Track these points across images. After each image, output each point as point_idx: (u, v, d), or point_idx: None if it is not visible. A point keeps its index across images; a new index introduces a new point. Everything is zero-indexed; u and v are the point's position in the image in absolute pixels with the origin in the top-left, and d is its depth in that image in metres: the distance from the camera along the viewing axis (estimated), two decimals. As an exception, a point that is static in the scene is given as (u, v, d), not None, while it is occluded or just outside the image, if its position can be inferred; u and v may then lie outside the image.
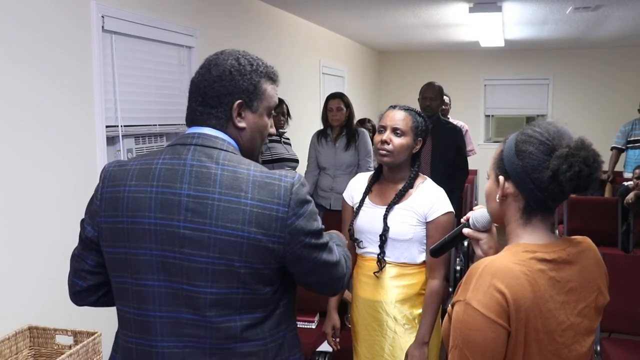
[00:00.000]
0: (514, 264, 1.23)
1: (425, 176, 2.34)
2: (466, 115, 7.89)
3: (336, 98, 4.65)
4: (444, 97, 5.59)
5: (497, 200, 1.33)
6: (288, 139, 4.83)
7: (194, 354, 1.32)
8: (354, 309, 2.40)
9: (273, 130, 1.51)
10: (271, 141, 4.51)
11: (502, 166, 1.32)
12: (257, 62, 1.43)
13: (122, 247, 1.35)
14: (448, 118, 5.68)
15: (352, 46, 7.95)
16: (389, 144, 2.21)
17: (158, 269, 1.32)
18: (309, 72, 6.33)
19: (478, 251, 1.44)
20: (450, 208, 2.25)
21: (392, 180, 2.31)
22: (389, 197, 2.28)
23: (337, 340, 2.51)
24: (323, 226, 1.40)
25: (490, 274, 1.21)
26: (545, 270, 1.24)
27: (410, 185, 2.27)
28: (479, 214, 1.43)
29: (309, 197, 1.37)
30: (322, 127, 4.86)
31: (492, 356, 1.20)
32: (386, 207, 2.26)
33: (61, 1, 2.75)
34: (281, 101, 4.70)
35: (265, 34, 5.17)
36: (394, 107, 2.30)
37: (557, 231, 6.24)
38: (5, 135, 2.47)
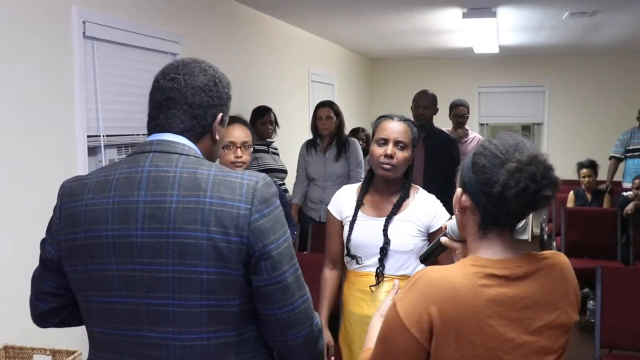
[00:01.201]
0: (456, 276, 1.24)
1: (417, 186, 2.38)
2: (460, 123, 7.94)
3: (326, 106, 4.67)
4: (463, 107, 5.65)
5: (458, 212, 1.37)
6: (276, 148, 4.84)
7: None
8: (346, 326, 2.39)
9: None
10: (259, 151, 4.52)
11: (461, 178, 1.35)
12: (224, 74, 1.47)
13: (82, 264, 1.32)
14: (466, 129, 5.71)
15: (342, 53, 7.99)
16: (393, 158, 2.23)
17: (120, 284, 1.28)
18: (297, 80, 6.35)
19: (455, 260, 1.45)
20: (448, 215, 2.28)
21: (386, 192, 2.33)
22: (385, 208, 2.30)
23: (333, 358, 2.50)
24: (293, 240, 1.36)
25: (424, 284, 1.24)
26: (490, 285, 1.24)
27: (406, 195, 2.30)
28: (453, 223, 1.46)
29: (276, 199, 1.33)
30: (311, 137, 4.87)
31: (400, 359, 1.25)
32: (385, 218, 2.27)
33: (40, 6, 2.75)
34: (268, 109, 4.71)
35: (253, 41, 5.19)
36: (390, 117, 2.31)
37: (554, 243, 6.28)
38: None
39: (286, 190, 4.84)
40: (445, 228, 1.51)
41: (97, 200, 1.31)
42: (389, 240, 2.25)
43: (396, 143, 2.25)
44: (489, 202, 1.26)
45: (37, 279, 1.45)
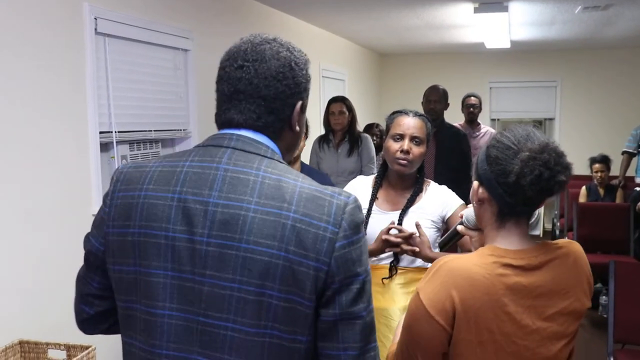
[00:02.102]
0: (475, 265, 1.29)
1: (428, 180, 2.40)
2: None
3: (338, 102, 4.66)
4: (474, 98, 5.62)
5: (475, 204, 1.41)
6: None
7: None
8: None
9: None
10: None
11: (476, 171, 1.39)
12: (300, 50, 1.28)
13: (131, 264, 1.14)
14: (479, 123, 5.68)
15: (352, 49, 7.97)
16: (409, 154, 2.24)
17: (172, 294, 1.10)
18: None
19: (471, 248, 1.54)
20: (461, 200, 2.33)
21: (400, 187, 2.34)
22: (399, 202, 2.31)
23: None
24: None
25: (445, 272, 1.29)
26: (508, 275, 1.29)
27: (420, 189, 2.33)
28: (469, 212, 1.53)
29: (363, 227, 1.15)
30: (323, 132, 4.86)
31: (425, 346, 1.31)
32: (399, 212, 2.28)
33: (53, 3, 2.76)
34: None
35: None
36: (406, 113, 2.32)
37: (566, 238, 6.23)
38: (-5, 141, 2.47)
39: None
40: (462, 217, 1.58)
41: (160, 193, 1.13)
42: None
43: (412, 138, 2.25)
44: (505, 192, 1.30)
45: (82, 279, 1.27)
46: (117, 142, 3.20)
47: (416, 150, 2.25)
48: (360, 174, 4.56)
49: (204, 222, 1.10)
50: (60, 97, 2.81)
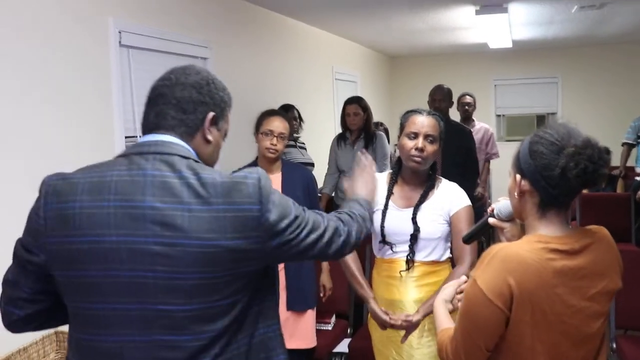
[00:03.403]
0: (526, 251, 1.32)
1: (440, 177, 2.37)
2: (477, 115, 7.82)
3: (353, 103, 4.62)
4: (468, 96, 5.58)
5: (516, 197, 1.42)
6: (303, 143, 4.85)
7: None
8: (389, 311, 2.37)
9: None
10: (287, 146, 4.52)
11: (518, 165, 1.41)
12: (225, 87, 1.38)
13: (79, 269, 1.19)
14: (473, 120, 5.63)
15: (363, 52, 7.95)
16: (423, 151, 2.22)
17: (128, 290, 1.17)
18: (321, 78, 6.34)
19: (502, 239, 1.57)
20: (469, 202, 2.30)
21: (413, 183, 2.32)
22: (413, 198, 2.29)
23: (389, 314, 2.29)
24: (296, 207, 1.30)
25: (500, 259, 1.32)
26: (555, 259, 1.33)
27: (433, 185, 2.30)
28: (502, 205, 1.56)
29: (273, 189, 1.26)
30: (341, 131, 4.86)
31: (485, 330, 1.34)
32: (413, 208, 2.27)
33: (80, 18, 2.79)
34: (291, 107, 4.72)
35: (278, 43, 5.19)
36: (420, 112, 2.29)
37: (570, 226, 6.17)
38: (25, 149, 2.50)
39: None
40: (492, 210, 1.59)
41: (96, 203, 1.18)
42: (419, 227, 2.25)
43: (426, 137, 2.23)
44: (549, 184, 1.34)
45: (11, 284, 1.28)
46: (142, 146, 3.22)
47: (430, 147, 2.23)
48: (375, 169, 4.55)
49: (144, 225, 1.16)
50: (88, 104, 2.84)
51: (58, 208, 1.20)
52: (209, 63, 3.85)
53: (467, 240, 1.75)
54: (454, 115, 5.61)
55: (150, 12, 3.32)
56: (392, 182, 2.36)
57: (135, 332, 1.18)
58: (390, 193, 2.34)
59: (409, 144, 2.23)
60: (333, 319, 3.56)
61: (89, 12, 2.85)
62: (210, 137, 1.31)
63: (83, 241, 1.17)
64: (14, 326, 1.32)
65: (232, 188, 1.19)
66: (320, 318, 3.42)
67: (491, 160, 5.62)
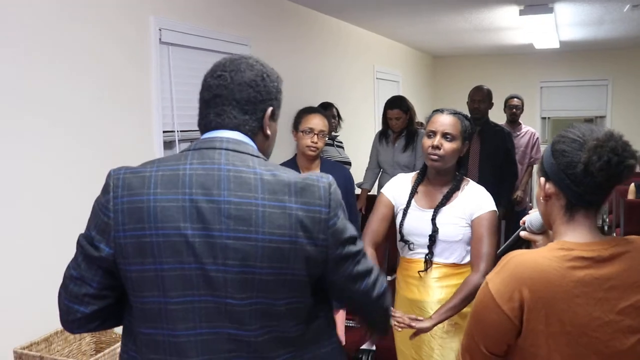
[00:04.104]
0: (545, 258, 1.26)
1: (468, 179, 2.32)
2: (522, 117, 7.68)
3: (395, 108, 4.49)
4: (516, 99, 5.46)
5: (542, 201, 1.36)
6: (341, 142, 4.84)
7: None
8: (397, 310, 2.36)
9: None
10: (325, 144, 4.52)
11: (542, 168, 1.35)
12: (273, 69, 1.38)
13: (150, 263, 1.18)
14: (520, 123, 5.50)
15: (406, 51, 7.88)
16: (440, 149, 2.19)
17: (198, 284, 1.17)
18: (362, 77, 6.32)
19: None
20: (494, 207, 2.23)
21: (438, 183, 2.29)
22: (436, 199, 2.26)
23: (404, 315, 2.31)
24: (352, 225, 1.30)
25: (514, 265, 1.27)
26: (579, 267, 1.24)
27: (457, 187, 2.26)
28: (533, 217, 1.49)
29: (341, 199, 1.28)
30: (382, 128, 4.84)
31: (488, 334, 1.30)
32: (433, 209, 2.24)
33: (122, 16, 2.87)
34: (330, 105, 4.72)
35: (318, 41, 5.20)
36: (441, 111, 2.28)
37: (614, 234, 5.97)
38: (64, 142, 2.59)
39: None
40: (524, 222, 1.51)
41: (170, 196, 1.17)
42: (437, 229, 2.22)
43: (444, 135, 2.20)
44: (573, 182, 1.27)
45: (77, 280, 1.24)
46: (179, 140, 3.30)
47: (447, 145, 2.19)
48: (414, 168, 4.51)
49: (219, 219, 1.17)
50: (129, 100, 2.92)
51: (130, 201, 1.19)
52: (248, 61, 3.89)
53: (501, 255, 1.69)
54: (501, 117, 5.53)
55: (190, 10, 3.38)
56: (417, 182, 2.33)
57: (203, 325, 1.18)
58: (414, 192, 2.31)
59: (427, 142, 2.23)
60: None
61: (131, 10, 2.92)
62: (269, 132, 1.33)
63: (158, 234, 1.16)
64: (76, 324, 1.27)
65: (305, 188, 1.21)
66: (349, 315, 3.42)
67: (534, 165, 5.49)
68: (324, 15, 5.26)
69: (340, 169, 3.07)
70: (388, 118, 4.56)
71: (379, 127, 4.90)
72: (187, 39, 3.31)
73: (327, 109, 4.64)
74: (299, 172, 1.29)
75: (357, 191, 4.77)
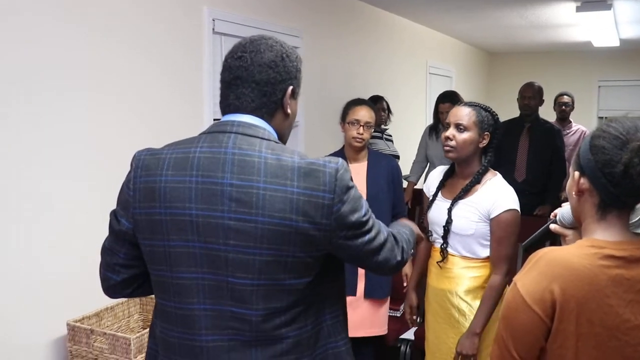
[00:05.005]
0: (575, 256, 1.19)
1: (495, 172, 2.29)
2: (578, 116, 7.44)
3: (446, 102, 4.43)
4: (566, 96, 5.31)
5: (574, 196, 1.27)
6: (390, 135, 4.82)
7: (239, 346, 1.24)
8: (426, 296, 2.39)
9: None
10: (373, 137, 4.51)
11: (578, 162, 1.26)
12: (292, 47, 1.37)
13: (160, 239, 1.25)
14: (570, 121, 5.36)
15: (460, 47, 7.76)
16: (452, 140, 2.20)
17: (201, 261, 1.22)
18: (415, 71, 6.27)
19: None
20: (514, 206, 2.17)
21: (461, 175, 2.29)
22: (457, 191, 2.27)
23: (416, 318, 2.55)
24: (369, 210, 1.30)
25: (545, 263, 1.20)
26: (610, 266, 1.18)
27: (477, 180, 2.23)
28: (565, 210, 1.41)
29: (352, 183, 1.27)
30: (431, 123, 4.80)
31: (522, 337, 1.22)
32: (452, 201, 2.25)
33: (177, 7, 2.96)
34: (381, 98, 4.70)
35: (370, 35, 5.19)
36: (459, 103, 2.30)
37: None
38: (118, 129, 2.70)
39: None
40: (555, 216, 1.45)
41: (179, 177, 1.23)
42: (451, 220, 2.22)
43: (456, 126, 2.21)
44: (610, 183, 1.19)
45: (108, 251, 1.36)
46: (229, 128, 3.36)
47: (459, 136, 2.20)
48: None
49: (222, 200, 1.20)
50: (181, 88, 3.01)
51: (146, 181, 1.26)
52: (300, 52, 3.90)
53: (527, 248, 1.61)
54: (552, 114, 5.39)
55: (243, 1, 3.45)
56: (447, 174, 2.35)
57: (207, 300, 1.23)
58: (442, 183, 2.34)
59: (443, 134, 2.25)
60: (402, 306, 3.56)
61: (186, 0, 3.01)
62: (289, 110, 1.33)
63: (166, 212, 1.23)
64: (112, 290, 1.39)
65: (309, 173, 1.20)
66: (392, 304, 3.43)
67: None
68: (378, 9, 5.25)
69: (387, 159, 3.06)
70: (439, 112, 4.51)
71: (429, 122, 4.86)
72: (240, 29, 3.38)
73: (377, 102, 4.62)
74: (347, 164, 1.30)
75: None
